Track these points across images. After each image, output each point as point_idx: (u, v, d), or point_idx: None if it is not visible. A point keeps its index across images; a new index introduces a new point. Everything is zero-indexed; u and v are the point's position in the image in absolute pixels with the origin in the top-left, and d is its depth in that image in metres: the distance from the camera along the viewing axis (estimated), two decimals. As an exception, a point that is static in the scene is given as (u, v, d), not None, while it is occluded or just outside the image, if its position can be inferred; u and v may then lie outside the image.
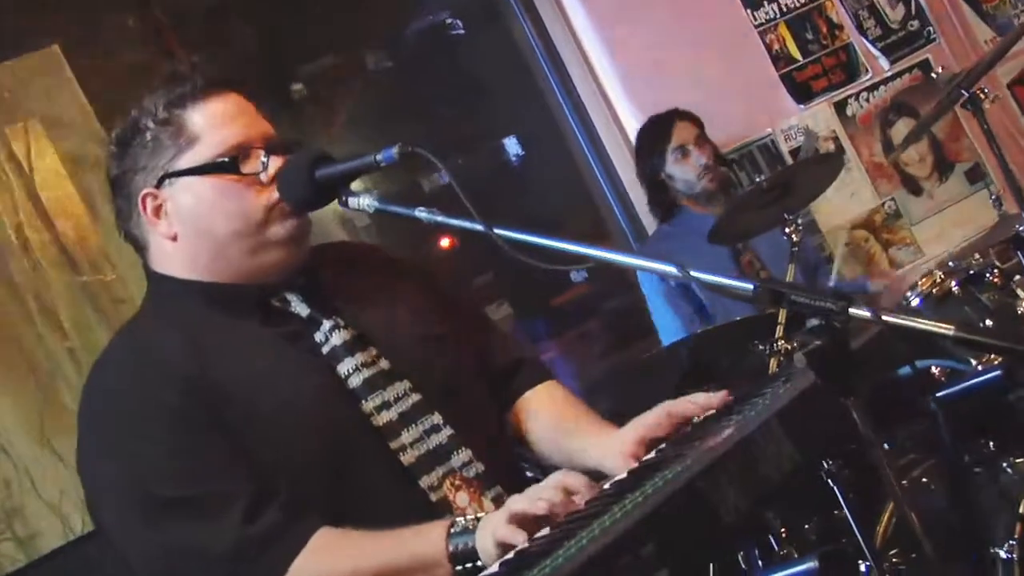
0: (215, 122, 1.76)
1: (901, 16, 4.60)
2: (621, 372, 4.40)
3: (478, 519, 1.51)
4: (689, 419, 1.67)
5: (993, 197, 3.50)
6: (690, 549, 1.22)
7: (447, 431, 1.75)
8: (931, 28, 4.61)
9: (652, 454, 1.62)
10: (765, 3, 4.47)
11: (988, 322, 2.98)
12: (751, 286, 1.38)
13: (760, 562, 2.26)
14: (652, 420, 1.68)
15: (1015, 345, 1.24)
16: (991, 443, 2.96)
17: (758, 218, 3.21)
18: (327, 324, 1.76)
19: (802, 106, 4.45)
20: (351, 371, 1.73)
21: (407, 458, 1.70)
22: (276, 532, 1.57)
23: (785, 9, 4.48)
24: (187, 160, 1.75)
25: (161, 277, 1.80)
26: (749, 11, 4.45)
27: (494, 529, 1.45)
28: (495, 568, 1.37)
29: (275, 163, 1.74)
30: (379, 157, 1.62)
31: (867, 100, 4.51)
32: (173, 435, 1.62)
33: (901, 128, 4.46)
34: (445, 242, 4.28)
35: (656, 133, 3.87)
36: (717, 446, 1.35)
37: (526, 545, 1.37)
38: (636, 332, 4.21)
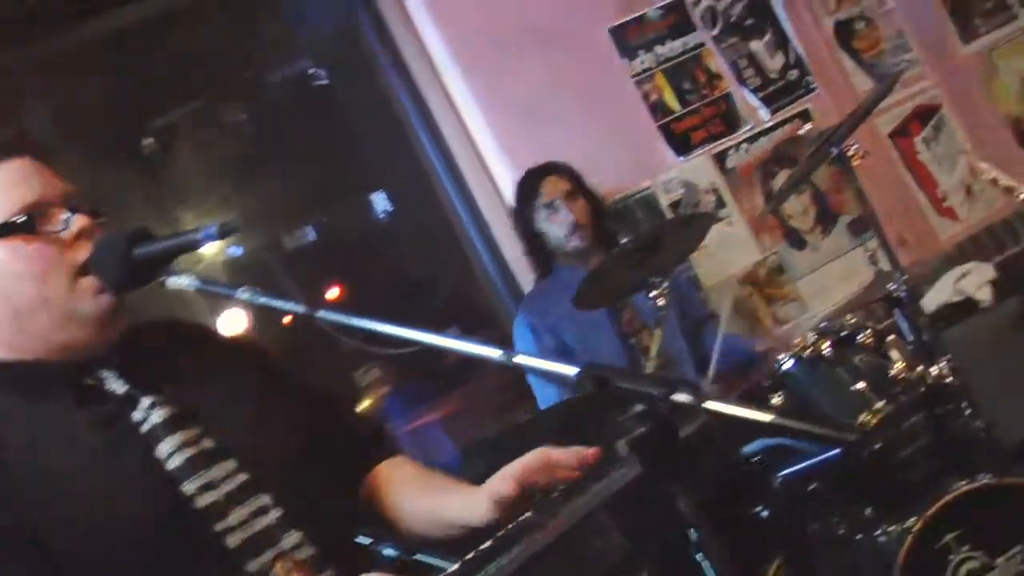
0: (5, 184, 1.65)
1: (780, 65, 4.51)
2: (499, 435, 4.23)
3: None
4: (566, 467, 1.65)
5: (869, 254, 3.42)
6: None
7: (276, 512, 1.65)
8: (810, 78, 4.53)
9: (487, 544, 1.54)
10: (641, 52, 4.34)
11: (860, 384, 2.94)
12: (574, 371, 1.36)
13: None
14: (529, 459, 1.66)
15: (830, 432, 1.41)
16: (868, 509, 2.91)
17: (624, 280, 3.08)
18: (146, 401, 1.66)
19: (682, 158, 4.32)
20: (171, 451, 1.63)
21: (233, 540, 1.60)
22: None
23: (662, 59, 4.36)
24: None
25: None
26: (626, 60, 4.33)
27: None
28: None
29: (79, 221, 1.65)
30: (199, 236, 1.59)
31: (747, 151, 4.40)
32: None
33: (782, 179, 4.35)
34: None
35: (526, 188, 3.75)
36: (543, 537, 1.36)
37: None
38: (516, 394, 4.06)
